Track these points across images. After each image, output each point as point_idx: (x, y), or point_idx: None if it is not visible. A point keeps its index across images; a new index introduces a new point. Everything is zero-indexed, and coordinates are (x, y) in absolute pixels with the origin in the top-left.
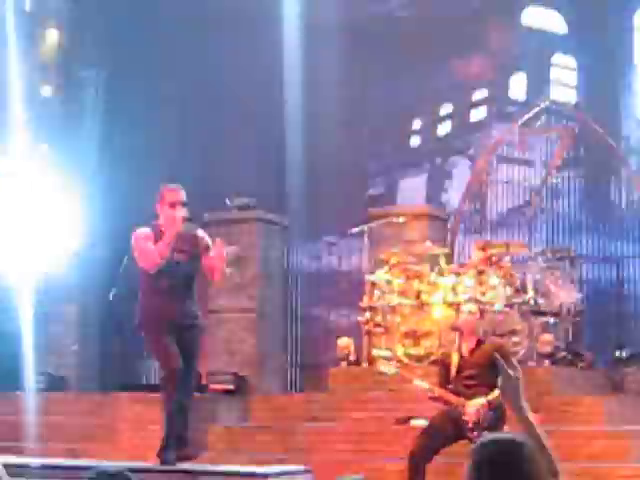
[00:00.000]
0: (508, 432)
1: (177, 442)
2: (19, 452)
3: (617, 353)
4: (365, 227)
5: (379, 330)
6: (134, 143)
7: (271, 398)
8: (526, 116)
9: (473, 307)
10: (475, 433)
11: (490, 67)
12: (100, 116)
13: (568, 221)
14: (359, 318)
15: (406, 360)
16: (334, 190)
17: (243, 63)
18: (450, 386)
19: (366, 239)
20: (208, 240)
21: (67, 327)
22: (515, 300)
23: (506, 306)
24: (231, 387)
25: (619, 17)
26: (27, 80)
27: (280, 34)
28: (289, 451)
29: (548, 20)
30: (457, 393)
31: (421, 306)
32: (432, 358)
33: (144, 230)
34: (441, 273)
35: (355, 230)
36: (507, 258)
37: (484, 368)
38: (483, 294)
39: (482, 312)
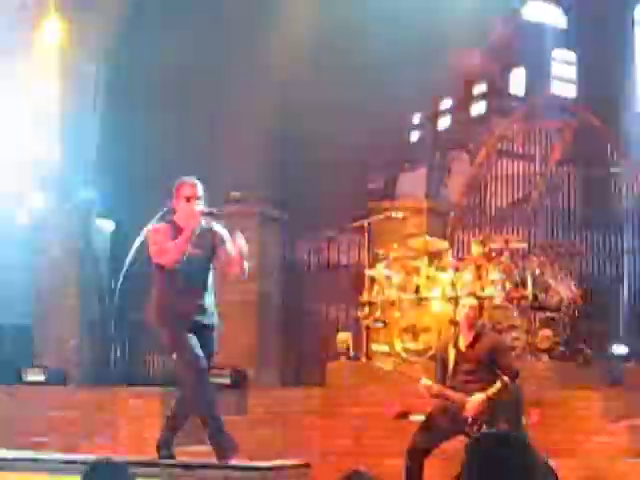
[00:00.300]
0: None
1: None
2: (18, 446)
3: (616, 348)
4: (365, 222)
5: (378, 325)
6: (134, 136)
7: (270, 392)
8: (526, 110)
9: (473, 301)
10: (474, 428)
11: (490, 62)
12: (101, 109)
13: (568, 216)
14: (358, 313)
15: (405, 355)
16: (334, 185)
17: (243, 56)
18: (448, 382)
19: (366, 234)
20: (224, 233)
21: (66, 320)
22: (514, 295)
23: (505, 301)
24: (229, 382)
25: (619, 11)
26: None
27: (280, 30)
28: (287, 445)
29: (548, 14)
30: (455, 388)
31: (420, 301)
32: (431, 353)
33: (160, 225)
34: (441, 268)
35: (355, 225)
36: (506, 253)
37: (482, 363)
38: (482, 289)
39: (481, 306)
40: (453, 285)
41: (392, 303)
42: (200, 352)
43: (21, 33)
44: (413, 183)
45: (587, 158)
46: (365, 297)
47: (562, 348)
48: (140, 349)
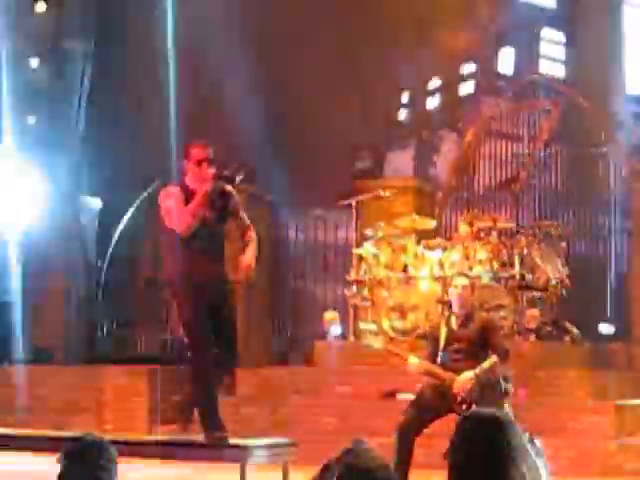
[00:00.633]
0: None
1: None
2: (4, 424)
3: (603, 328)
4: (352, 201)
5: (366, 303)
6: (121, 113)
7: (256, 371)
8: (514, 90)
9: (465, 281)
10: (463, 407)
11: (478, 41)
12: (87, 87)
13: (555, 196)
14: (346, 291)
15: (392, 334)
16: (322, 164)
17: (234, 33)
18: (438, 360)
19: (353, 212)
20: (237, 198)
21: (53, 299)
22: (502, 275)
23: (493, 280)
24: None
25: None
26: (15, 51)
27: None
28: (274, 424)
29: None
30: (445, 367)
31: (408, 280)
32: (418, 332)
33: (172, 189)
34: (429, 247)
35: (342, 203)
36: (494, 233)
37: (472, 343)
38: (470, 268)
39: (473, 286)
40: (441, 264)
41: (380, 282)
42: (208, 333)
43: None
44: (401, 162)
45: (575, 138)
46: (353, 276)
47: (549, 328)
48: (127, 327)
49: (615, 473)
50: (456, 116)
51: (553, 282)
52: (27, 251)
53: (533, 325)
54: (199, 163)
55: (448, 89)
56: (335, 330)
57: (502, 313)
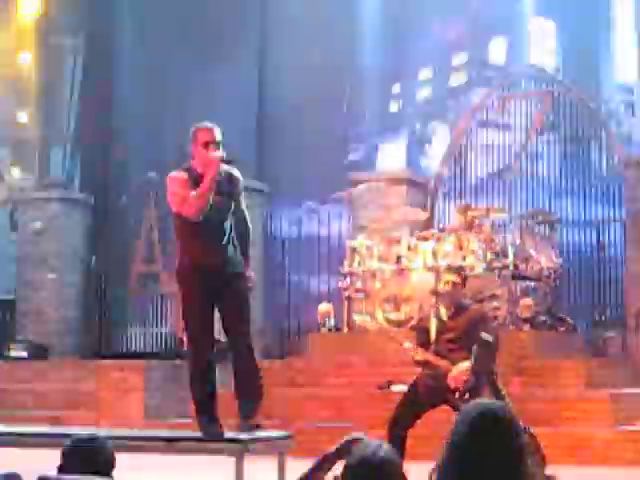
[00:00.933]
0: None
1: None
2: (1, 420)
3: (597, 317)
4: (345, 192)
5: (359, 295)
6: (113, 108)
7: None
8: (505, 80)
9: (453, 277)
10: (458, 397)
11: (470, 32)
12: (79, 82)
13: (548, 185)
14: (339, 283)
15: (386, 325)
16: (315, 156)
17: (228, 25)
18: (433, 348)
19: (346, 205)
20: (242, 186)
21: (49, 294)
22: (495, 264)
23: (486, 270)
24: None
25: None
26: (5, 47)
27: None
28: (269, 417)
29: None
30: (439, 355)
31: (401, 271)
32: (412, 323)
33: (179, 174)
34: (422, 238)
35: (335, 195)
36: (487, 223)
37: (465, 333)
38: (463, 258)
39: (464, 278)
40: (434, 255)
41: (373, 274)
42: (209, 325)
43: None
44: (393, 154)
45: (567, 128)
46: (346, 268)
47: (543, 317)
48: (122, 322)
49: (610, 461)
50: (447, 107)
51: (546, 272)
52: (23, 247)
53: (527, 315)
54: (206, 145)
55: (439, 80)
56: (329, 322)
57: (496, 303)
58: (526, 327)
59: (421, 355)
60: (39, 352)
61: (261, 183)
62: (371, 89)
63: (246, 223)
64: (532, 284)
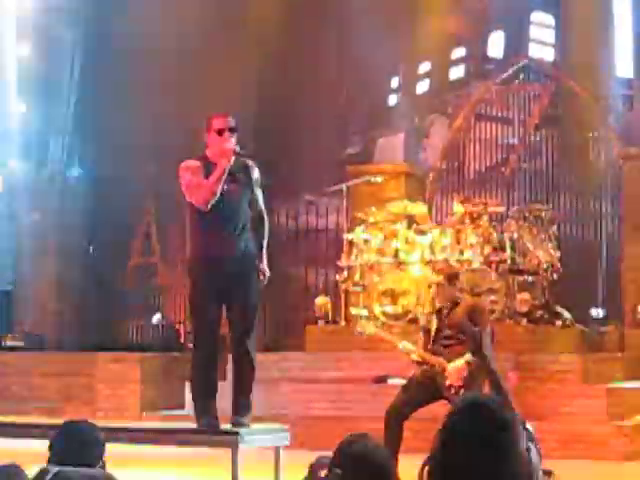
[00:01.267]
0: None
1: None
2: None
3: (594, 311)
4: (343, 186)
5: (357, 289)
6: (112, 101)
7: None
8: (504, 74)
9: (439, 278)
10: (453, 392)
11: (468, 25)
12: (78, 76)
13: (546, 179)
14: (337, 277)
15: (384, 319)
16: (313, 149)
17: (225, 22)
18: (429, 347)
19: (344, 198)
20: (258, 176)
21: (46, 286)
22: (493, 259)
23: (484, 264)
24: None
25: None
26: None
27: None
28: (266, 410)
29: None
30: (435, 353)
31: (399, 265)
32: (410, 316)
33: (192, 162)
34: (419, 231)
35: (333, 189)
36: (485, 217)
37: (460, 327)
38: (461, 252)
39: (451, 277)
40: (432, 249)
41: (371, 267)
42: (214, 318)
43: None
44: (392, 147)
45: (565, 122)
46: (344, 261)
47: (541, 311)
48: (119, 314)
49: (607, 456)
50: (446, 100)
51: (544, 266)
52: (21, 239)
53: (524, 309)
54: (220, 132)
55: (438, 73)
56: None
57: (493, 297)
58: (523, 321)
59: (417, 354)
60: (36, 343)
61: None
62: (370, 82)
63: (262, 216)
64: (530, 278)
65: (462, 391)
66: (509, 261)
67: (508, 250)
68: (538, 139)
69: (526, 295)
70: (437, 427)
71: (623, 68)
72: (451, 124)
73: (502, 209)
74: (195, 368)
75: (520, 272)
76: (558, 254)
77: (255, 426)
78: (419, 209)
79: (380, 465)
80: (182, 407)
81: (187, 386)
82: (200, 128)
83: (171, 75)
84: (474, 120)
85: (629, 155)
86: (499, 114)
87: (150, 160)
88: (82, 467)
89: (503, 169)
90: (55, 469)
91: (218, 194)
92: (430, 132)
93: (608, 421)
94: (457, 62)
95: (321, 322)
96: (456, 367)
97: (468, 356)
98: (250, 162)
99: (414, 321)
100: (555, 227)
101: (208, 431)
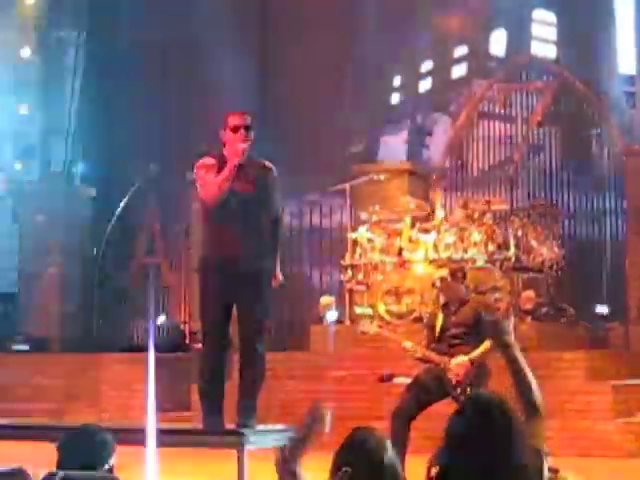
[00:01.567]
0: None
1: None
2: (3, 413)
3: (599, 308)
4: (346, 185)
5: (361, 288)
6: (115, 102)
7: None
8: (507, 72)
9: (443, 272)
10: (459, 390)
11: (470, 23)
12: (80, 77)
13: (549, 177)
14: (341, 276)
15: (388, 317)
16: (316, 148)
17: (225, 20)
18: (433, 346)
19: (347, 197)
20: (274, 178)
21: (50, 288)
22: (497, 256)
23: (488, 262)
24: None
25: None
26: (6, 41)
27: None
28: (271, 410)
29: None
30: (442, 353)
31: (403, 263)
32: (414, 315)
33: (208, 159)
34: (423, 230)
35: (337, 188)
36: (489, 215)
37: (468, 327)
38: (465, 251)
39: (456, 273)
40: (435, 248)
41: (375, 266)
42: (220, 323)
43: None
44: (395, 146)
45: (568, 119)
46: (348, 260)
47: (545, 309)
48: (123, 315)
49: (612, 453)
50: (448, 99)
51: (548, 263)
52: (25, 240)
53: (529, 306)
54: (235, 130)
55: (440, 72)
56: (331, 315)
57: (497, 295)
58: (528, 319)
59: (421, 353)
60: (40, 345)
61: None
62: (372, 81)
63: (277, 218)
64: (534, 276)
65: (468, 390)
66: (513, 259)
67: (512, 248)
68: (541, 136)
69: (530, 293)
70: (443, 426)
71: (625, 65)
72: (454, 122)
73: (506, 207)
74: (202, 369)
75: (524, 270)
76: (562, 251)
77: (260, 427)
78: (422, 208)
79: (391, 464)
80: (188, 408)
81: (193, 387)
82: (203, 128)
83: (173, 75)
84: (477, 118)
85: (632, 152)
86: (502, 112)
87: (153, 160)
88: (90, 470)
89: (506, 167)
90: (61, 473)
91: (226, 191)
92: (433, 130)
93: (613, 418)
94: (459, 60)
95: (326, 322)
96: (459, 363)
97: (473, 354)
98: (268, 164)
99: (418, 320)
100: (559, 224)
101: (214, 432)
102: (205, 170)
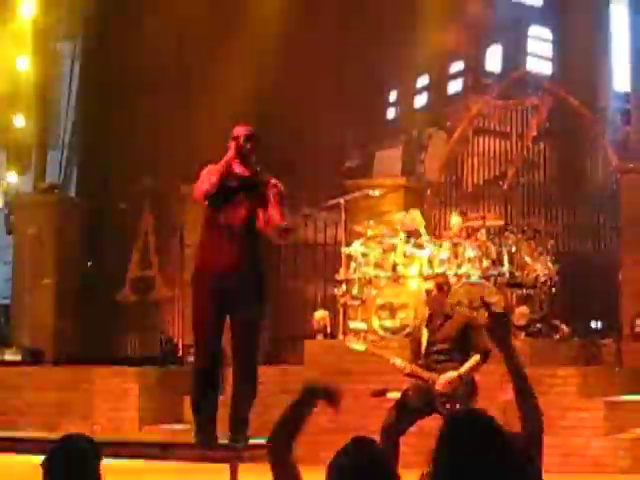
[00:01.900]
0: (478, 407)
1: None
2: None
3: (592, 324)
4: (341, 199)
5: (355, 302)
6: (111, 115)
7: None
8: (502, 88)
9: (429, 284)
10: (447, 406)
11: (466, 39)
12: (76, 88)
13: (544, 193)
14: (335, 291)
15: (382, 332)
16: (311, 163)
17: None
18: (420, 361)
19: (342, 211)
20: (280, 192)
21: (43, 300)
22: (491, 272)
23: (482, 278)
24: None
25: None
26: (1, 53)
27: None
28: (264, 424)
29: None
30: (428, 368)
31: (397, 278)
32: (408, 330)
33: (212, 166)
34: (417, 245)
35: (331, 203)
36: (483, 230)
37: (454, 341)
38: (459, 266)
39: (441, 287)
40: (430, 263)
41: (369, 281)
42: (213, 336)
43: None
44: (390, 161)
45: (563, 135)
46: (342, 275)
47: (539, 325)
48: (118, 327)
49: (605, 470)
50: (444, 114)
51: (542, 279)
52: (18, 252)
53: (522, 322)
54: (235, 138)
55: (436, 87)
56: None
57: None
58: (521, 335)
59: (410, 369)
60: (33, 357)
61: None
62: (368, 96)
63: (281, 231)
64: (528, 292)
65: (457, 406)
66: (507, 275)
67: (506, 264)
68: (536, 152)
69: (524, 308)
70: (433, 441)
71: (620, 82)
72: (449, 138)
73: (500, 222)
74: (195, 383)
75: (518, 285)
76: (556, 267)
77: (253, 441)
78: (417, 223)
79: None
80: (181, 421)
81: (186, 400)
82: (200, 142)
83: (170, 88)
84: (472, 134)
85: (626, 168)
86: (497, 128)
87: (148, 174)
88: None
89: (501, 182)
90: None
91: (215, 185)
92: (428, 146)
93: (606, 434)
94: (455, 76)
95: (320, 336)
96: (446, 377)
97: (461, 369)
98: (272, 179)
99: (408, 336)
100: (553, 240)
101: (206, 446)
102: (207, 171)
